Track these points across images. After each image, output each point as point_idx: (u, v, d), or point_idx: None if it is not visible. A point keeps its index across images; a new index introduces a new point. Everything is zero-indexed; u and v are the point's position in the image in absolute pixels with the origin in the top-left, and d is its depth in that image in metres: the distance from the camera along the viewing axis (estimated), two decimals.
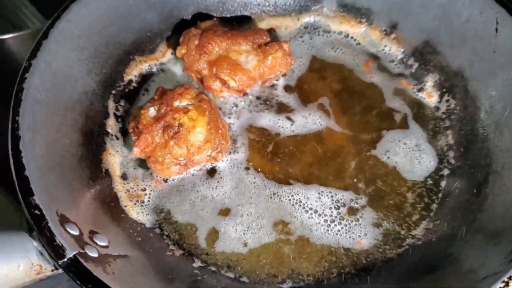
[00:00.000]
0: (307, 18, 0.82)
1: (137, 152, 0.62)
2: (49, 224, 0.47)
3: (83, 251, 0.47)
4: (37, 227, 0.47)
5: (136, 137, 0.63)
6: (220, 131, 0.65)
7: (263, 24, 0.82)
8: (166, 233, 0.62)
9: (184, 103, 0.63)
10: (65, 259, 0.45)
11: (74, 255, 0.46)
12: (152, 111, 0.63)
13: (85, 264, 0.46)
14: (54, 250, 0.45)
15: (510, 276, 0.43)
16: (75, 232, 0.49)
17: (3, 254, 0.41)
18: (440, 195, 0.65)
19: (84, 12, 0.65)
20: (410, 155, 0.68)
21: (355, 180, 0.66)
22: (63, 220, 0.49)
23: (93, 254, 0.48)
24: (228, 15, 0.81)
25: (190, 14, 0.78)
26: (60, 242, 0.46)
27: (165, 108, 0.62)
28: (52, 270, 0.45)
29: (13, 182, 0.51)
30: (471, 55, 0.68)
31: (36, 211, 0.47)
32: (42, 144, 0.55)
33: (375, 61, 0.79)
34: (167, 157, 0.62)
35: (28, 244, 0.44)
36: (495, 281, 0.43)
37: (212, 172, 0.67)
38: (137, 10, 0.72)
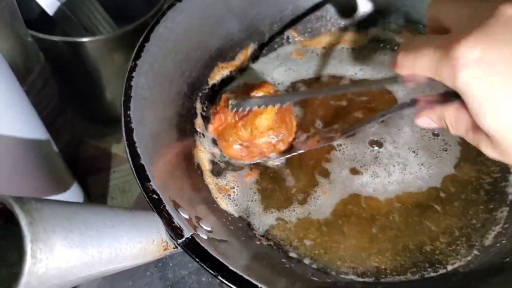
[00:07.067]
0: (375, 33, 0.87)
1: (211, 129, 0.70)
2: (167, 207, 0.51)
3: (196, 233, 0.52)
4: (157, 209, 0.51)
5: (213, 117, 0.70)
6: (285, 124, 0.70)
7: (334, 38, 0.87)
8: (252, 224, 0.67)
9: (260, 94, 0.69)
10: (184, 239, 0.50)
11: (191, 235, 0.50)
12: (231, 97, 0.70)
13: (201, 243, 0.50)
14: (173, 231, 0.50)
15: None
16: (186, 216, 0.54)
17: (143, 229, 0.45)
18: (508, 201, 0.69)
19: (178, 19, 0.71)
20: None
21: None
22: (175, 205, 0.54)
23: (204, 236, 0.53)
24: (300, 27, 0.87)
25: (267, 25, 0.84)
26: (178, 223, 0.50)
27: (242, 95, 0.69)
28: (174, 248, 0.49)
29: None
30: None
31: (154, 196, 0.52)
32: (149, 136, 0.60)
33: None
34: (233, 136, 0.68)
35: (159, 221, 0.49)
36: None
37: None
38: (222, 19, 0.78)
